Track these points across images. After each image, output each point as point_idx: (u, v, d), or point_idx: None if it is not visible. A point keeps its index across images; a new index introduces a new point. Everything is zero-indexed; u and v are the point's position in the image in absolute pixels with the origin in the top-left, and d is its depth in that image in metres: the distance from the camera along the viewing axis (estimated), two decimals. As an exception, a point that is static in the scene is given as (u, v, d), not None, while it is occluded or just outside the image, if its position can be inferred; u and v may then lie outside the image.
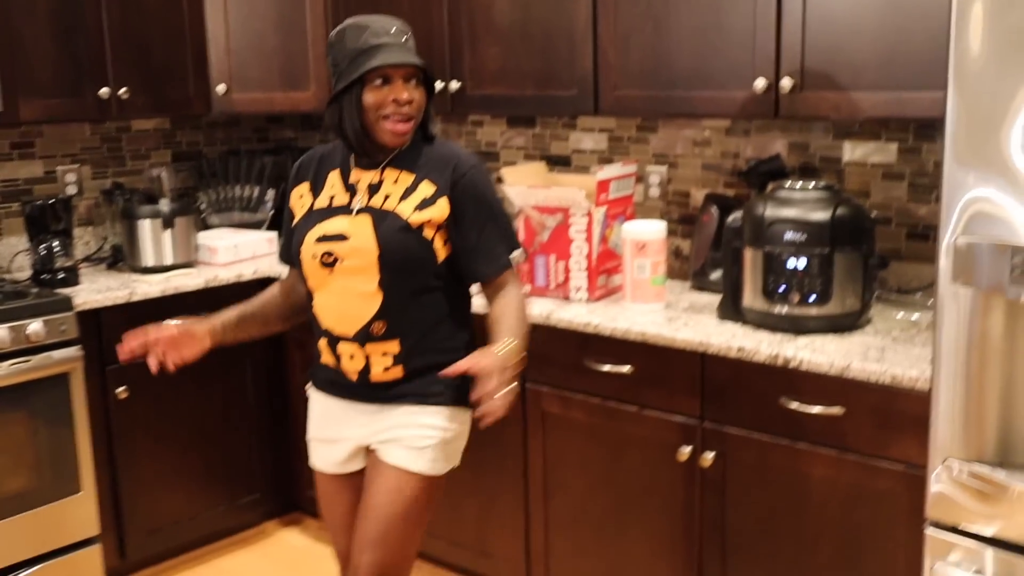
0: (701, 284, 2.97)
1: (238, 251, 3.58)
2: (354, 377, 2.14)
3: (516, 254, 2.15)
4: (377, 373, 2.12)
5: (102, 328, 3.08)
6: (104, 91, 3.27)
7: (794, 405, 2.33)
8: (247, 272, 3.44)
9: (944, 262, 1.94)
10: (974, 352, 1.93)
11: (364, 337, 2.09)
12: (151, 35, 3.39)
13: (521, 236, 2.86)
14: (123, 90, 3.31)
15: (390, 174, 2.12)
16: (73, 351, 2.97)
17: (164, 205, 3.46)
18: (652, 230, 2.74)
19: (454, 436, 2.17)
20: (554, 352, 2.76)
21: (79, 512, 3.02)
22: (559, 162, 3.43)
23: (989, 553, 1.96)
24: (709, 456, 2.48)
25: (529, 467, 2.87)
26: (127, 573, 3.28)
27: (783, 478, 2.39)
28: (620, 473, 2.68)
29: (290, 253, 2.21)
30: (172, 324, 2.16)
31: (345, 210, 2.12)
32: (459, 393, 2.14)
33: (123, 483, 3.19)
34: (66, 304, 2.98)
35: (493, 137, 3.60)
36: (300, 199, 2.21)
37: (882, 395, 2.21)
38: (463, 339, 2.19)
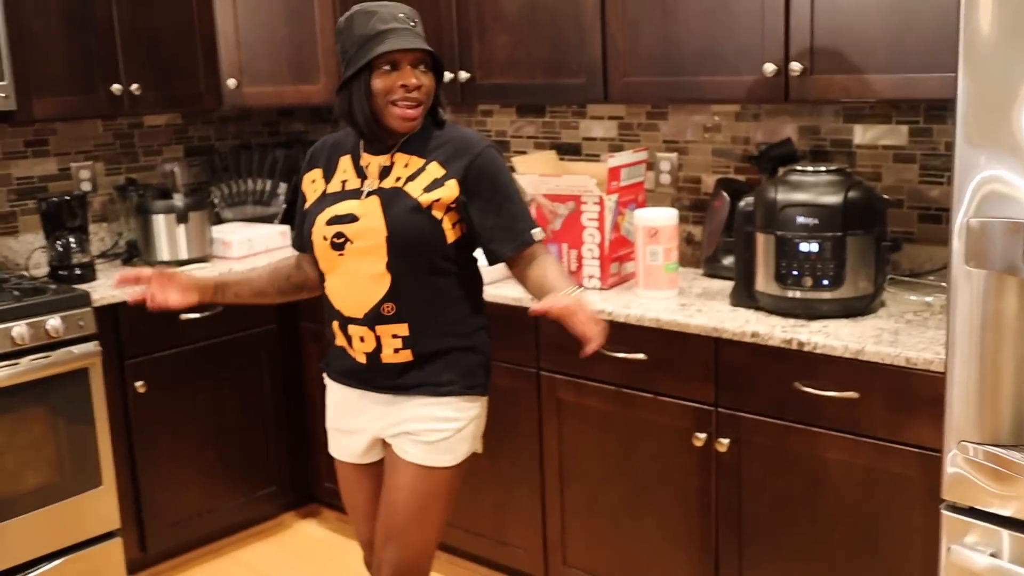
0: (713, 270, 2.97)
1: (252, 245, 3.60)
2: (364, 360, 2.15)
3: (536, 231, 2.14)
4: (388, 355, 2.12)
5: (120, 323, 3.10)
6: (116, 87, 3.29)
7: (808, 389, 2.33)
8: (261, 265, 3.44)
9: (957, 243, 1.93)
10: (988, 333, 1.92)
11: (374, 319, 2.10)
12: (161, 30, 3.41)
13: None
14: (135, 86, 3.33)
15: (400, 158, 2.12)
16: (91, 346, 2.99)
17: (178, 200, 3.48)
18: (664, 217, 2.74)
19: (469, 425, 2.18)
20: (568, 340, 2.75)
21: (100, 506, 3.05)
22: (569, 150, 3.43)
23: (1005, 534, 1.96)
24: (724, 442, 2.49)
25: (544, 455, 2.88)
26: (148, 566, 3.32)
27: (798, 463, 2.39)
28: (635, 460, 2.69)
29: (302, 239, 2.23)
30: (169, 270, 2.24)
31: (356, 193, 2.13)
32: (472, 382, 2.16)
33: (143, 477, 3.22)
34: (84, 300, 3.01)
35: (503, 126, 3.61)
36: (312, 184, 2.23)
37: (896, 378, 2.20)
38: (476, 324, 2.19)
